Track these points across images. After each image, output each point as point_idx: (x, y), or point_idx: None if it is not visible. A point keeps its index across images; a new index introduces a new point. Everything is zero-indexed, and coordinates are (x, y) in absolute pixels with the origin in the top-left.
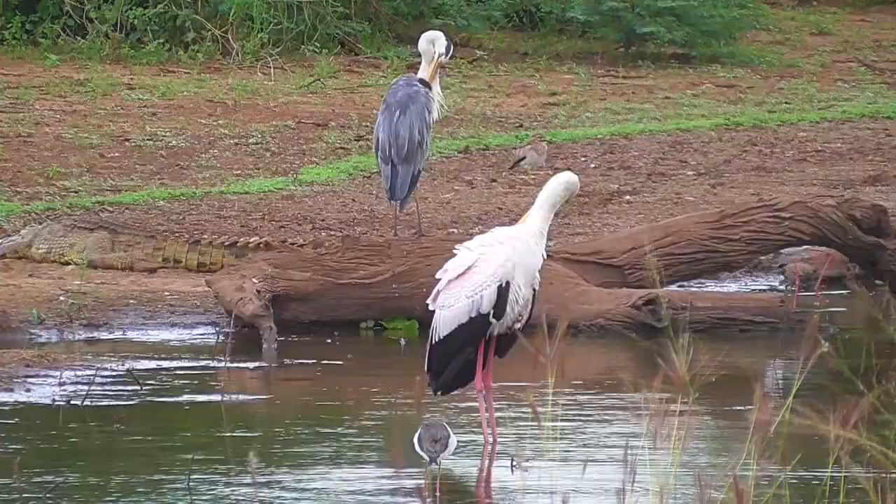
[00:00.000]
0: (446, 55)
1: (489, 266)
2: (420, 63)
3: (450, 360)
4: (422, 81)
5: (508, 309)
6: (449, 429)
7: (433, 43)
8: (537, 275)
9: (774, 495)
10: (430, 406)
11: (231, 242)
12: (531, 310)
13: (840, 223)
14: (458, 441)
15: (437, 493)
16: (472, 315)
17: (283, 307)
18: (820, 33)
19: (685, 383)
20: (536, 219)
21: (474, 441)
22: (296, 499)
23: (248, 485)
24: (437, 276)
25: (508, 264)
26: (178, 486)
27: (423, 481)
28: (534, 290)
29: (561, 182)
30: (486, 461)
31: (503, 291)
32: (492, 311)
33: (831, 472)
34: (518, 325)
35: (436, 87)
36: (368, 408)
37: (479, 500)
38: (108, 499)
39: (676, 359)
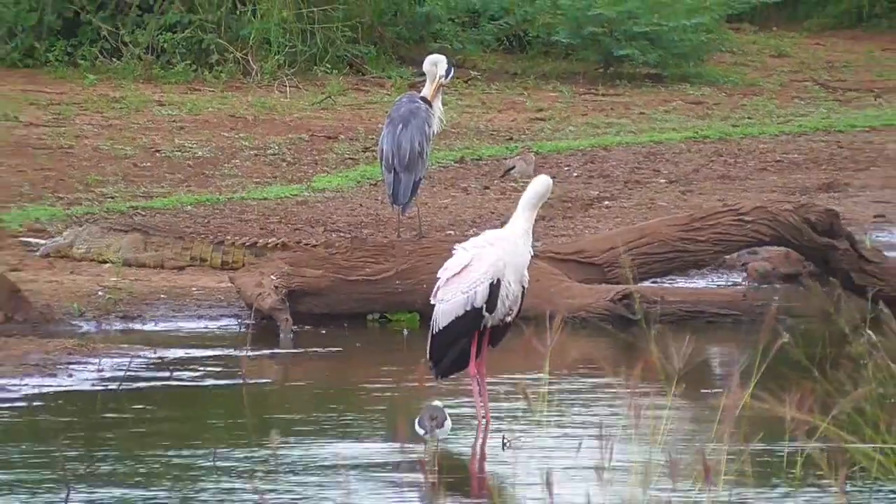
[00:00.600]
0: (446, 77)
1: (482, 265)
2: (423, 82)
3: (448, 348)
4: (423, 99)
5: (499, 304)
6: (446, 412)
7: (436, 65)
8: (526, 273)
9: (737, 469)
10: (431, 389)
11: (251, 243)
12: (520, 304)
13: (797, 226)
14: (452, 423)
15: (436, 466)
16: (467, 309)
17: (298, 301)
18: (779, 55)
19: (660, 370)
20: (521, 220)
21: (469, 421)
22: (309, 469)
23: (267, 458)
24: (438, 274)
25: (500, 263)
26: (204, 459)
27: (423, 455)
28: (523, 287)
29: (539, 185)
30: (480, 439)
31: (494, 288)
32: (484, 306)
33: (788, 447)
34: (509, 318)
35: (437, 104)
36: (374, 390)
37: (473, 474)
38: (141, 471)
39: (653, 348)
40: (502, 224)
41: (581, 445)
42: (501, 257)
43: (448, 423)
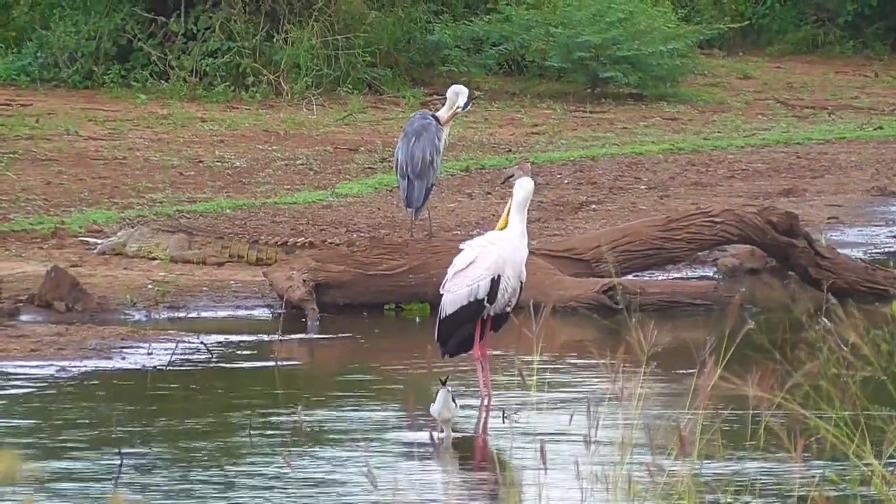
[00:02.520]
0: (463, 108)
1: (485, 262)
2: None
3: (453, 333)
4: (435, 117)
5: (499, 296)
6: (446, 393)
7: (458, 94)
8: (523, 269)
9: (708, 440)
10: (441, 368)
11: (282, 242)
12: (518, 296)
13: (760, 226)
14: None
15: (443, 435)
16: (471, 300)
17: (323, 293)
18: (744, 77)
19: (642, 353)
20: (516, 222)
21: (474, 397)
22: (332, 437)
23: (296, 428)
24: (448, 270)
25: (500, 261)
26: (241, 430)
27: (433, 425)
28: (521, 281)
29: (523, 189)
30: (483, 413)
31: (495, 283)
32: (486, 298)
33: (752, 420)
34: (508, 308)
35: (446, 129)
36: (390, 370)
37: (478, 443)
38: (185, 442)
39: (634, 334)
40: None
41: (572, 418)
42: (502, 255)
43: (441, 398)
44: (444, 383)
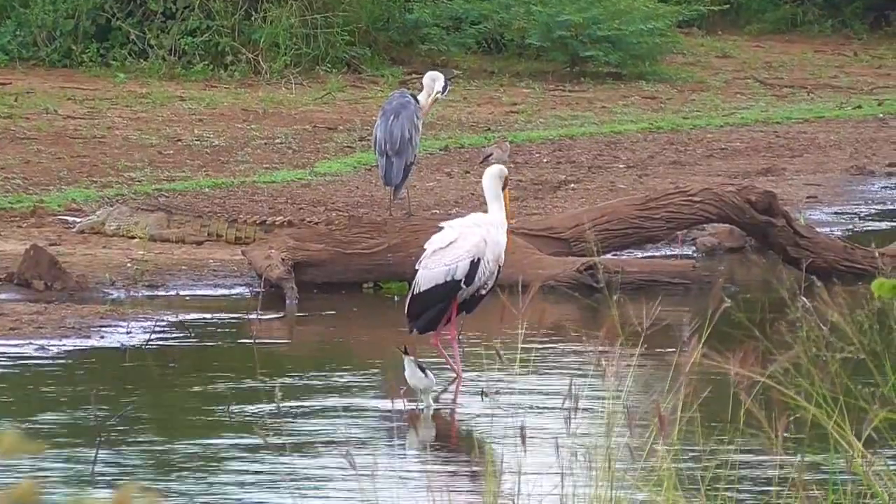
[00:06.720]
0: (443, 93)
1: (466, 243)
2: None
3: (425, 310)
4: (413, 96)
5: (476, 279)
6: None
7: (434, 80)
8: (503, 255)
9: (689, 419)
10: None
11: (261, 221)
12: (496, 279)
13: (739, 205)
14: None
15: (423, 405)
16: (448, 279)
17: (302, 272)
18: (723, 56)
19: (619, 331)
20: (495, 210)
21: (449, 376)
22: (309, 410)
23: (273, 407)
24: (425, 245)
25: (482, 244)
26: (220, 410)
27: (409, 403)
28: (499, 266)
29: (494, 175)
30: (454, 392)
31: (474, 265)
32: (463, 279)
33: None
34: (483, 291)
35: (422, 112)
36: (368, 348)
37: (454, 422)
38: (163, 422)
39: (617, 312)
40: (481, 205)
41: (547, 396)
42: (485, 238)
43: (407, 367)
44: (405, 352)
